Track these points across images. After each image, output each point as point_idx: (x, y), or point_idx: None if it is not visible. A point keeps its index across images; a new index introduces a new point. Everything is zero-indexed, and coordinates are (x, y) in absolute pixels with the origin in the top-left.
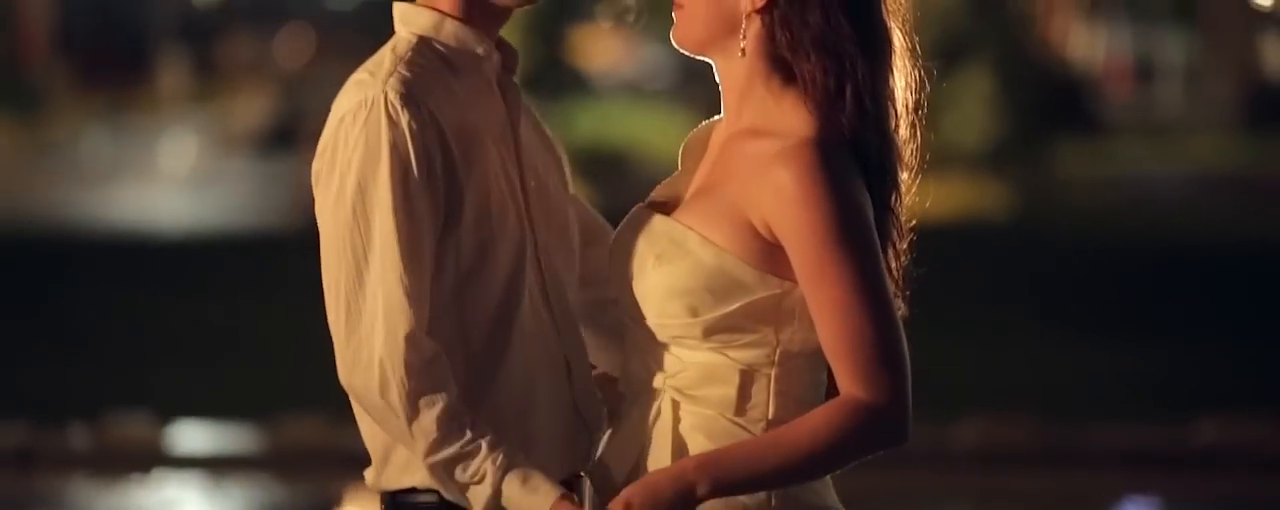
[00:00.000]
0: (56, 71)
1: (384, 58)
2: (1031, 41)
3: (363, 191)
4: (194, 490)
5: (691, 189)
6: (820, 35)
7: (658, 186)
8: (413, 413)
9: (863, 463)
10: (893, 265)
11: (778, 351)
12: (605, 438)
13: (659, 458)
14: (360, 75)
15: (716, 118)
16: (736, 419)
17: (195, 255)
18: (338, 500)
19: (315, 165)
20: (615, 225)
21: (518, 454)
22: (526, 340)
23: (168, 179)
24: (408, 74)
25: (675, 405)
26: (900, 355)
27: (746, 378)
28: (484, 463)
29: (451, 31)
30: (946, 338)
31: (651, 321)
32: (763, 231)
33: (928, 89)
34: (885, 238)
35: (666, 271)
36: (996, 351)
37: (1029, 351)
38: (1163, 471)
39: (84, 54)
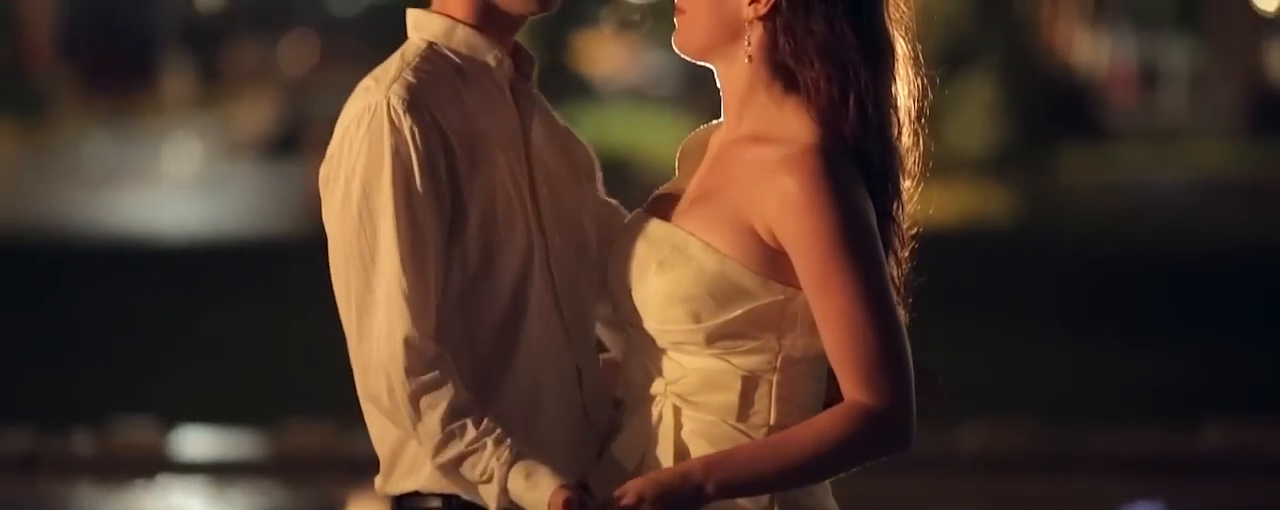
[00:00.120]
0: (61, 76)
1: (392, 63)
2: (1036, 48)
3: (367, 197)
4: (198, 496)
5: (690, 194)
6: (823, 42)
7: (656, 191)
8: (416, 414)
9: (866, 467)
10: (894, 273)
11: (779, 357)
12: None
13: (661, 463)
14: (367, 81)
15: (714, 122)
16: (738, 425)
17: (199, 261)
18: (343, 506)
19: (322, 171)
20: None
21: (524, 448)
22: (534, 345)
23: (172, 184)
24: (412, 80)
25: (676, 411)
26: (904, 361)
27: (748, 384)
28: (490, 460)
29: (463, 38)
30: (950, 343)
31: (652, 327)
32: (765, 237)
33: (930, 97)
34: (887, 245)
35: (668, 278)
36: (1000, 356)
37: (1033, 356)
38: (1167, 477)
39: (88, 59)
